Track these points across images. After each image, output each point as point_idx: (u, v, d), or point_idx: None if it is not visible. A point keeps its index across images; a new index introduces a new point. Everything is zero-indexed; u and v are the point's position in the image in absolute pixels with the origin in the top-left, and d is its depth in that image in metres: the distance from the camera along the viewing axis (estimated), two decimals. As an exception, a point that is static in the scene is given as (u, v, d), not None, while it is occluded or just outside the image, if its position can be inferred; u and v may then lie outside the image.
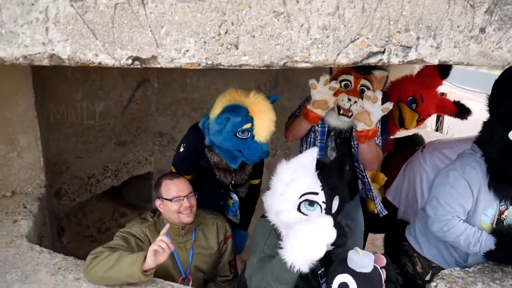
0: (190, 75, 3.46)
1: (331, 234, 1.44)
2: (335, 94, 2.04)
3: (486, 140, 1.95)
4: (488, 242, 1.83)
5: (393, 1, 1.03)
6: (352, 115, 2.04)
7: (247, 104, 1.92)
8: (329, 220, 1.45)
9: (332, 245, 1.56)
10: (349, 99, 2.01)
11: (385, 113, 1.96)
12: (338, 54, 1.02)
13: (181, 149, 2.17)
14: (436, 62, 1.11)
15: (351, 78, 2.04)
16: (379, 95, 1.92)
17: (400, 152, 2.97)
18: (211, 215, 2.08)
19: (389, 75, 2.15)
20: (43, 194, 2.32)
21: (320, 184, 1.61)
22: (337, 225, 1.54)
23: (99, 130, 3.14)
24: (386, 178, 2.94)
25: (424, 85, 2.54)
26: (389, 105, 1.97)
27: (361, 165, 2.31)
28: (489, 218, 1.97)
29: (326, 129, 2.23)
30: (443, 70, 2.51)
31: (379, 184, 2.83)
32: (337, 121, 2.11)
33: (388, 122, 2.67)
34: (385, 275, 1.58)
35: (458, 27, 1.10)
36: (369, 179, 2.36)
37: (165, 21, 1.00)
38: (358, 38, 1.03)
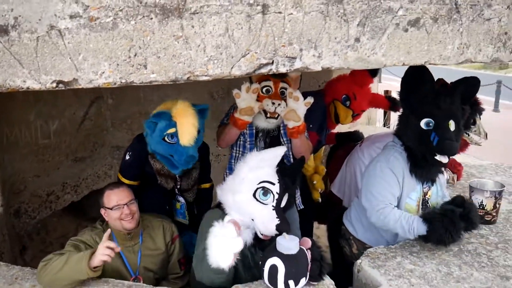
0: (144, 89, 3.61)
1: (237, 244, 1.63)
2: (259, 100, 2.24)
3: (403, 131, 2.18)
4: (420, 229, 2.02)
5: (276, 21, 1.23)
6: (278, 116, 2.26)
7: (172, 110, 2.08)
8: (233, 231, 1.64)
9: (279, 231, 1.77)
10: (273, 103, 2.22)
11: (308, 106, 2.18)
12: (232, 67, 1.21)
13: (127, 157, 2.33)
14: (319, 69, 1.32)
15: (270, 83, 2.25)
16: (299, 94, 2.15)
17: (342, 147, 3.21)
18: (157, 218, 2.25)
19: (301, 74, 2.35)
20: (0, 214, 2.42)
21: (278, 178, 1.83)
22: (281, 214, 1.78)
23: (54, 148, 3.24)
24: (328, 171, 3.18)
25: (356, 83, 2.77)
26: (310, 99, 2.20)
27: (290, 161, 2.53)
28: (414, 200, 2.20)
29: (254, 131, 2.43)
30: (373, 70, 2.75)
31: (320, 175, 3.05)
32: (265, 123, 2.31)
33: (326, 119, 2.90)
34: (310, 256, 1.79)
35: (335, 38, 1.32)
36: None
37: (82, 49, 1.17)
38: (248, 53, 1.22)
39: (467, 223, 2.09)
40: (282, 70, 1.26)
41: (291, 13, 1.25)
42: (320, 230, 3.35)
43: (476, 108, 2.57)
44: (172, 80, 1.21)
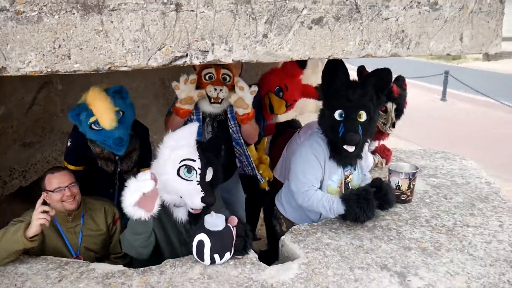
0: (94, 76, 3.66)
1: (148, 184, 1.68)
2: (203, 87, 2.40)
3: (321, 121, 2.39)
4: (339, 208, 2.23)
5: (188, 18, 1.39)
6: (222, 101, 2.42)
7: (86, 100, 2.17)
8: (146, 174, 1.71)
9: (204, 203, 1.93)
10: (215, 89, 2.38)
11: (254, 94, 2.36)
12: (149, 59, 1.36)
13: (68, 143, 2.43)
14: (230, 61, 1.49)
15: (212, 70, 2.41)
16: (244, 83, 2.33)
17: (282, 135, 3.41)
18: (99, 201, 2.38)
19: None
20: None
21: (198, 154, 1.99)
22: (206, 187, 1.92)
23: (1, 134, 3.27)
24: (271, 157, 3.38)
25: (287, 75, 2.97)
26: (255, 88, 2.39)
27: (238, 146, 2.71)
28: (335, 182, 2.41)
29: (201, 116, 2.58)
30: (302, 62, 2.94)
31: (265, 164, 3.26)
32: (211, 108, 2.48)
33: (262, 111, 3.09)
34: (235, 232, 1.97)
35: (245, 34, 1.48)
36: (248, 157, 2.76)
37: (9, 40, 1.29)
38: (163, 47, 1.37)
39: (384, 202, 2.32)
40: (196, 62, 1.42)
41: (203, 11, 1.41)
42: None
43: (391, 97, 2.82)
44: (94, 70, 1.34)
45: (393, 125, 2.95)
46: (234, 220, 2.01)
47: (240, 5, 1.45)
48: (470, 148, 6.98)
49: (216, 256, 1.91)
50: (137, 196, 1.65)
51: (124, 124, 2.29)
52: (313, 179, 2.32)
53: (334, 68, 2.25)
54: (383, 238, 2.20)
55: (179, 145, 1.97)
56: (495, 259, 2.03)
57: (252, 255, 2.03)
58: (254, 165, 2.88)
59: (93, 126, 2.23)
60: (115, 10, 1.32)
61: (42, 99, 3.60)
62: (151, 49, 1.36)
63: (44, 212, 1.91)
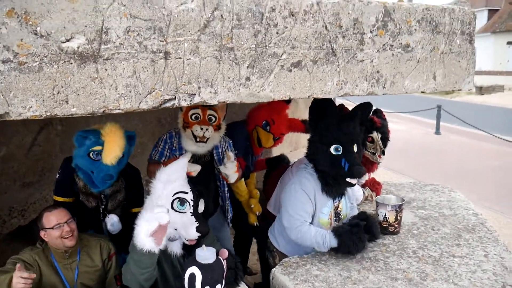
0: (93, 117, 3.80)
1: (164, 217, 1.83)
2: (189, 127, 2.53)
3: (314, 156, 2.47)
4: (332, 242, 2.31)
5: (176, 65, 1.52)
6: (207, 140, 2.54)
7: (102, 129, 2.29)
8: (162, 207, 1.86)
9: (199, 233, 2.01)
10: (201, 128, 2.50)
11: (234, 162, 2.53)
12: (140, 103, 1.49)
13: (57, 176, 2.53)
14: (216, 103, 1.61)
15: (199, 111, 2.54)
16: (231, 153, 2.54)
17: (276, 169, 3.52)
18: (94, 237, 2.44)
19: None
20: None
21: (190, 187, 2.08)
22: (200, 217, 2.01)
23: (1, 174, 3.37)
24: (265, 191, 3.48)
25: (274, 110, 3.11)
26: (231, 153, 2.56)
27: (222, 185, 2.82)
28: (326, 215, 2.49)
29: None
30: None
31: (256, 199, 3.35)
32: (195, 147, 2.59)
33: (251, 146, 3.21)
34: (226, 264, 2.04)
35: (229, 78, 1.62)
36: (227, 196, 2.89)
37: (13, 88, 1.41)
38: (153, 91, 1.50)
39: (370, 234, 2.41)
40: (184, 104, 1.54)
41: (190, 58, 1.54)
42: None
43: (374, 127, 2.95)
44: (89, 113, 1.46)
45: (383, 153, 3.06)
46: (224, 253, 2.07)
47: (224, 52, 1.59)
48: (462, 180, 7.07)
49: (207, 288, 1.96)
50: (154, 225, 1.75)
51: (119, 166, 2.39)
52: (304, 214, 2.40)
53: (324, 104, 2.37)
54: (370, 269, 2.26)
55: (171, 179, 2.06)
56: (479, 288, 2.09)
57: (243, 287, 2.09)
58: (229, 207, 2.99)
59: (91, 155, 2.30)
60: (109, 59, 1.45)
61: (42, 140, 3.72)
62: (142, 93, 1.49)
63: (23, 277, 1.96)
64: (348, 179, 2.36)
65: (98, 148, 2.28)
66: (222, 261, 2.05)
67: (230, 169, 2.54)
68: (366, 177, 3.41)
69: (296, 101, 5.04)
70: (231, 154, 2.57)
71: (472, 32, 2.17)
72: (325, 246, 2.33)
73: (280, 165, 3.45)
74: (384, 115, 3.24)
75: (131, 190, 2.63)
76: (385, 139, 3.11)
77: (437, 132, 11.60)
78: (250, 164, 3.34)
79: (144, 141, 4.38)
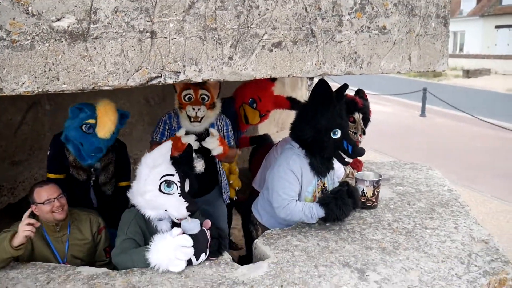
0: (81, 96, 3.86)
1: (190, 252, 2.03)
2: (183, 107, 2.60)
3: (305, 137, 2.48)
4: (319, 212, 2.42)
5: (162, 44, 1.61)
6: (201, 119, 2.63)
7: (97, 104, 2.36)
8: (189, 241, 2.02)
9: (189, 211, 2.12)
10: (193, 108, 2.58)
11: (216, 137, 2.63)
12: (128, 80, 1.57)
13: (48, 153, 2.61)
14: (200, 80, 1.70)
15: (191, 91, 2.61)
16: (214, 130, 2.63)
17: (261, 148, 3.63)
18: (85, 212, 2.54)
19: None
20: None
21: (175, 168, 2.17)
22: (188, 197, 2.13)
23: (-10, 153, 3.42)
24: (251, 169, 3.59)
25: (260, 88, 3.20)
26: (213, 130, 2.68)
27: (218, 162, 2.92)
28: (310, 193, 2.60)
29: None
30: None
31: (235, 174, 3.47)
32: (191, 127, 2.67)
33: (237, 122, 3.31)
34: (209, 234, 2.16)
35: (212, 57, 1.71)
36: (223, 175, 2.99)
37: (6, 65, 1.49)
38: (140, 69, 1.59)
39: (352, 199, 2.51)
40: (169, 81, 1.63)
41: (175, 38, 1.63)
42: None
43: (357, 108, 3.06)
44: (80, 89, 1.55)
45: (364, 132, 3.18)
46: (207, 223, 2.20)
47: (208, 32, 1.68)
48: (443, 161, 7.26)
49: (192, 257, 2.09)
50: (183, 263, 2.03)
51: (109, 141, 2.47)
52: (292, 193, 2.50)
53: (325, 89, 2.40)
54: (347, 239, 2.40)
55: (157, 163, 2.15)
56: (446, 256, 2.24)
57: (226, 256, 2.22)
58: (226, 185, 3.10)
59: (83, 127, 2.38)
60: (98, 38, 1.53)
61: (30, 119, 3.77)
62: (130, 70, 1.58)
63: (29, 224, 2.07)
64: (346, 159, 2.45)
65: (91, 121, 2.36)
66: (206, 231, 2.17)
67: (210, 144, 2.63)
68: (347, 155, 3.54)
69: (282, 79, 5.13)
70: (213, 131, 2.65)
71: (447, 16, 2.27)
72: (314, 218, 2.44)
73: (264, 143, 3.56)
74: (366, 96, 3.34)
75: (119, 163, 2.72)
76: (366, 119, 3.23)
77: (423, 114, 11.80)
78: (236, 139, 3.44)
79: (131, 121, 4.45)
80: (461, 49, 32.96)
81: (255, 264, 2.19)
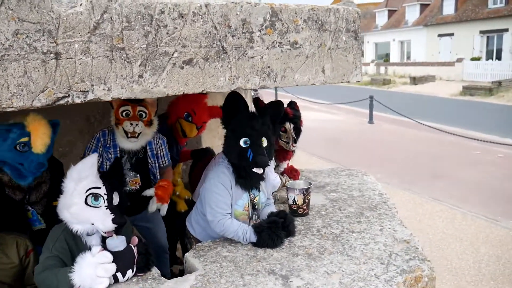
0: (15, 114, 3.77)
1: (111, 269, 2.02)
2: (120, 123, 2.62)
3: (227, 149, 2.63)
4: (252, 238, 2.47)
5: (68, 65, 1.63)
6: (139, 135, 2.65)
7: (26, 120, 2.34)
8: (109, 256, 2.01)
9: (115, 224, 2.12)
10: (131, 124, 2.60)
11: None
12: (33, 101, 1.58)
13: None
14: (110, 99, 1.73)
15: (129, 108, 2.64)
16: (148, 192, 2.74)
17: (201, 161, 3.66)
18: (11, 235, 2.48)
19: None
20: None
21: (102, 181, 2.17)
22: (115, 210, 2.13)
23: None
24: (191, 182, 3.62)
25: (193, 101, 3.26)
26: (151, 191, 2.79)
27: (155, 179, 2.94)
28: (241, 206, 2.64)
29: (118, 154, 2.78)
30: None
31: (180, 186, 3.50)
32: (129, 144, 2.68)
33: (174, 137, 3.35)
34: (136, 250, 2.17)
35: (121, 76, 1.74)
36: None
37: None
38: (46, 89, 1.60)
39: (287, 232, 2.59)
40: (78, 101, 1.65)
41: (81, 58, 1.65)
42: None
43: (287, 118, 3.18)
44: (-15, 112, 1.54)
45: (295, 141, 3.29)
46: (134, 240, 2.21)
47: (115, 52, 1.71)
48: (387, 165, 7.54)
49: (119, 274, 2.09)
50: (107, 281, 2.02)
51: (48, 154, 2.43)
52: (224, 206, 2.55)
53: (235, 101, 2.52)
54: (282, 245, 2.47)
55: (82, 176, 2.15)
56: (368, 258, 2.35)
57: (155, 271, 2.23)
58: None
59: (18, 147, 2.33)
60: (0, 60, 1.53)
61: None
62: (35, 91, 1.58)
63: None
64: (255, 169, 2.52)
65: (25, 139, 2.31)
66: (133, 247, 2.18)
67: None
68: (284, 165, 3.64)
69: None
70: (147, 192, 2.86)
71: (357, 30, 2.41)
72: (245, 240, 2.50)
73: (205, 156, 3.60)
74: (298, 107, 3.46)
75: (54, 182, 2.68)
76: (297, 129, 3.34)
77: (370, 121, 12.21)
78: (175, 155, 3.46)
79: (71, 139, 4.38)
80: (408, 57, 34.44)
81: (182, 277, 2.21)
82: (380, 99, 11.98)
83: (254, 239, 2.48)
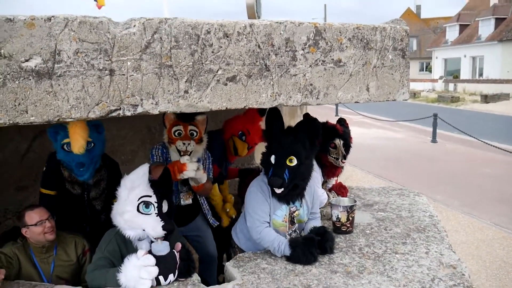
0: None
1: (154, 272, 2.15)
2: (173, 142, 2.79)
3: (262, 163, 2.70)
4: (286, 251, 2.51)
5: (120, 81, 1.79)
6: (191, 153, 2.81)
7: (68, 124, 2.53)
8: (152, 260, 2.14)
9: (165, 230, 2.25)
10: (184, 143, 2.77)
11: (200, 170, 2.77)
12: (88, 113, 1.75)
13: (44, 169, 2.80)
14: (157, 112, 1.87)
15: (181, 127, 2.82)
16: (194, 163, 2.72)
17: (249, 177, 3.76)
18: (70, 235, 2.72)
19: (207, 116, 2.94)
20: None
21: (152, 190, 2.32)
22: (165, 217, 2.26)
23: (-3, 177, 3.65)
24: (240, 197, 3.72)
25: (249, 121, 3.37)
26: (198, 164, 2.79)
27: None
28: (280, 217, 2.69)
29: None
30: (262, 110, 3.34)
31: (230, 203, 3.61)
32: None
33: (226, 153, 3.47)
34: (178, 256, 2.28)
35: (168, 91, 1.88)
36: (203, 204, 3.14)
37: (-20, 99, 1.68)
38: (100, 103, 1.77)
39: (325, 249, 2.59)
40: (128, 114, 1.80)
41: (132, 75, 1.81)
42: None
43: (337, 135, 3.20)
44: (46, 121, 1.73)
45: (344, 158, 3.28)
46: (178, 246, 2.33)
47: (164, 69, 1.85)
48: (448, 186, 7.19)
49: (161, 278, 2.21)
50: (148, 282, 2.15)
51: (91, 154, 2.64)
52: (262, 213, 2.61)
53: (273, 116, 2.60)
54: (314, 263, 2.48)
55: (135, 185, 2.31)
56: (409, 280, 2.30)
57: (195, 278, 2.33)
58: (207, 211, 3.25)
59: (64, 147, 2.59)
60: (62, 76, 1.72)
61: (37, 147, 4.00)
62: (90, 104, 1.75)
63: None
64: (274, 188, 2.54)
65: (67, 140, 2.56)
66: (176, 253, 2.29)
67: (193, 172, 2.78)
68: (332, 181, 3.63)
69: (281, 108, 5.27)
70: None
71: (405, 48, 2.40)
72: (279, 253, 2.54)
73: (252, 174, 3.69)
74: (347, 124, 3.46)
75: (111, 180, 2.89)
76: (347, 146, 3.33)
77: (434, 140, 11.73)
78: (223, 171, 3.59)
79: (134, 148, 4.66)
80: (480, 74, 32.67)
81: (220, 285, 2.29)
82: (446, 118, 11.50)
83: (288, 252, 2.50)
